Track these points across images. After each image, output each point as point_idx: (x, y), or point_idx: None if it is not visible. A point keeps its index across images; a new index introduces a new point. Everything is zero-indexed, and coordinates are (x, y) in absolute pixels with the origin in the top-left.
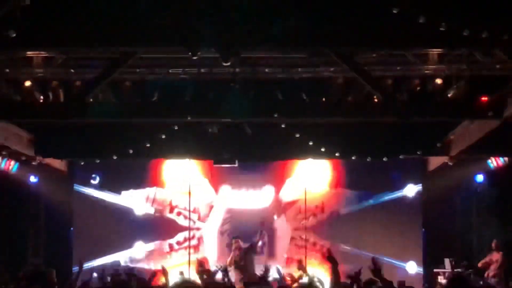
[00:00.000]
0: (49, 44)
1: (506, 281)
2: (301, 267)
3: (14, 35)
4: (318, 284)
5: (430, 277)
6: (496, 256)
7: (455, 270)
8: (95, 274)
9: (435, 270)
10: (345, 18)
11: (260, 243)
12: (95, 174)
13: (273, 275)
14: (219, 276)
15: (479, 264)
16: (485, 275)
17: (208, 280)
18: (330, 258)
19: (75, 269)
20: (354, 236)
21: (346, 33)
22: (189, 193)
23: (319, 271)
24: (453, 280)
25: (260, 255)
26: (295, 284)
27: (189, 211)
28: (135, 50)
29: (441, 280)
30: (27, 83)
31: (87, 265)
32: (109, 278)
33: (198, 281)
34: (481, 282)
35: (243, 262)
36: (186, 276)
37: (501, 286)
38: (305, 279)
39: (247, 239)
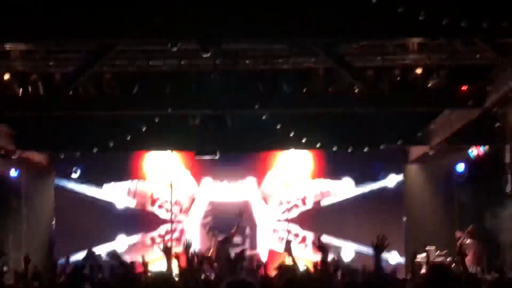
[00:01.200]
0: (27, 36)
1: (482, 270)
2: (288, 248)
3: None
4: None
5: (412, 267)
6: (472, 243)
7: (436, 259)
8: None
9: (416, 259)
10: (326, 8)
11: (237, 235)
12: (76, 167)
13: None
14: None
15: (458, 242)
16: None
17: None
18: (321, 247)
19: (60, 261)
20: (336, 226)
21: (326, 24)
22: (171, 185)
23: (301, 262)
24: (433, 269)
25: (237, 246)
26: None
27: (171, 203)
28: (114, 42)
29: (423, 269)
30: (6, 76)
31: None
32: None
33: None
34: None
35: (217, 254)
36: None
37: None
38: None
39: (228, 231)
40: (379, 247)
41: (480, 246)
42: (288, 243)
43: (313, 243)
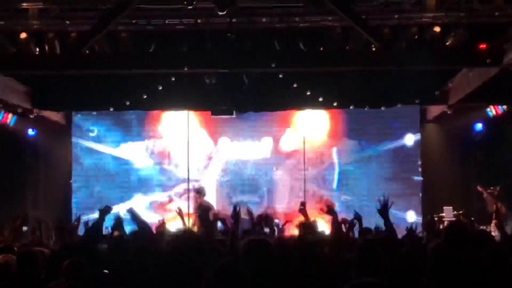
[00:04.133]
0: None
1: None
2: (303, 210)
3: None
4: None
5: (429, 225)
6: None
7: (453, 217)
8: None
9: (434, 217)
10: None
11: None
12: (93, 126)
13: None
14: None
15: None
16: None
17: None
18: (330, 211)
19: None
20: (354, 186)
21: None
22: (188, 144)
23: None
24: (450, 227)
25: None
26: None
27: (188, 163)
28: (130, 0)
29: (440, 227)
30: (23, 35)
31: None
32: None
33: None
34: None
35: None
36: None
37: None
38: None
39: (246, 190)
40: (384, 208)
41: (504, 208)
42: (302, 204)
43: (321, 209)
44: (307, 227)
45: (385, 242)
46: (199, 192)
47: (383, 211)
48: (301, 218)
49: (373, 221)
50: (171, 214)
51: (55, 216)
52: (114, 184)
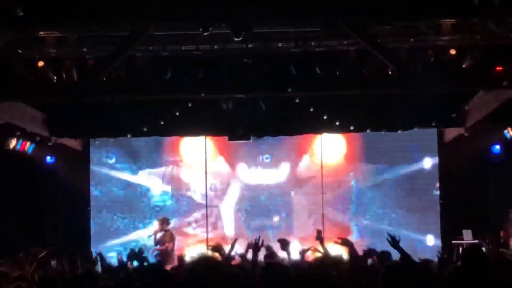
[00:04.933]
0: (58, 22)
1: None
2: (319, 238)
3: (22, 13)
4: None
5: (448, 249)
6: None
7: (472, 241)
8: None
9: (453, 241)
10: None
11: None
12: (111, 153)
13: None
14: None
15: (501, 234)
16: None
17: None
18: (345, 242)
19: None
20: (372, 210)
21: (359, 5)
22: (205, 170)
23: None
24: (467, 252)
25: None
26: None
27: (206, 188)
28: (146, 27)
29: (460, 251)
30: (40, 63)
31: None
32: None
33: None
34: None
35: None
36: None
37: None
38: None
39: (264, 215)
40: (394, 242)
41: None
42: (319, 232)
43: (335, 242)
44: (326, 261)
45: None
46: (164, 221)
47: (395, 245)
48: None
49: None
50: (190, 240)
51: (73, 243)
52: (131, 210)
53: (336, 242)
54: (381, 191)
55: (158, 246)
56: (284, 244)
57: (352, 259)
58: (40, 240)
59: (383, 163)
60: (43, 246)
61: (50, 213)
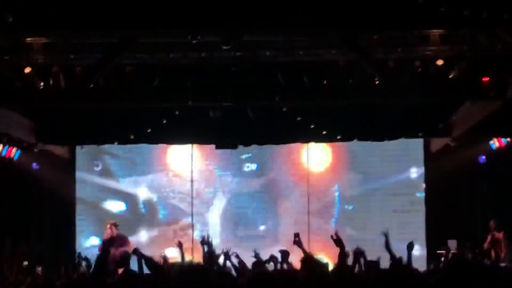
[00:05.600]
0: (47, 29)
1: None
2: (298, 242)
3: (11, 19)
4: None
5: (433, 259)
6: (498, 235)
7: (458, 251)
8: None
9: (438, 251)
10: (346, 0)
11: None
12: (97, 160)
13: None
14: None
15: (485, 245)
16: (492, 256)
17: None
18: (338, 241)
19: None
20: (358, 219)
21: (346, 15)
22: (191, 179)
23: (322, 257)
24: (453, 261)
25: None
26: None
27: (192, 197)
28: (134, 34)
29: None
30: (27, 69)
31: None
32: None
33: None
34: (487, 263)
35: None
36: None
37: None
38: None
39: (251, 224)
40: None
41: (506, 237)
42: (296, 235)
43: (331, 237)
44: (309, 260)
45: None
46: (115, 225)
47: (387, 246)
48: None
49: (375, 255)
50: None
51: (59, 251)
52: (118, 218)
53: (332, 237)
54: (368, 200)
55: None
56: (285, 255)
57: (341, 266)
58: (25, 248)
59: (369, 172)
60: (28, 254)
61: (36, 219)
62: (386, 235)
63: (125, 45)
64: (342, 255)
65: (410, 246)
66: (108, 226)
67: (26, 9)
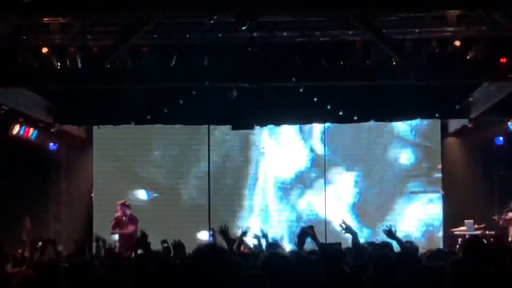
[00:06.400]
0: (64, 9)
1: None
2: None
3: (28, 0)
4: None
5: (450, 239)
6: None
7: (474, 232)
8: None
9: (454, 232)
10: None
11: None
12: (114, 140)
13: None
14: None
15: (500, 222)
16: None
17: None
18: (347, 229)
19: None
20: (373, 200)
21: None
22: (208, 160)
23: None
24: (469, 242)
25: None
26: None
27: (209, 178)
28: (151, 15)
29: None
30: (45, 50)
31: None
32: None
33: None
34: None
35: None
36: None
37: None
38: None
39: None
40: (391, 234)
41: None
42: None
43: (340, 226)
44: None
45: (402, 259)
46: (125, 204)
47: (392, 236)
48: None
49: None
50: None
51: (76, 230)
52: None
53: (341, 226)
54: (383, 182)
55: (117, 230)
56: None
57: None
58: (43, 227)
59: (385, 155)
60: (46, 232)
61: (53, 199)
62: (388, 230)
63: (142, 26)
64: (355, 242)
65: (389, 233)
66: (119, 205)
67: None
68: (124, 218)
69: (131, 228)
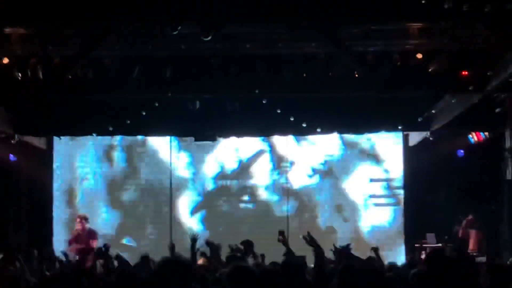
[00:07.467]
0: (25, 19)
1: (490, 256)
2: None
3: None
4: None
5: (412, 252)
6: (472, 232)
7: (436, 244)
8: None
9: (416, 245)
10: None
11: None
12: (75, 151)
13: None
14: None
15: (460, 234)
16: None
17: None
18: (312, 242)
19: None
20: (336, 212)
21: (327, 8)
22: (170, 172)
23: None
24: (432, 255)
25: None
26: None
27: (171, 189)
28: (113, 25)
29: (422, 255)
30: (5, 60)
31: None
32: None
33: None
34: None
35: None
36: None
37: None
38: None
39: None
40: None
41: (480, 234)
42: (281, 233)
43: (303, 237)
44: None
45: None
46: (85, 218)
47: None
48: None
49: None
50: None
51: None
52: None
53: (304, 238)
54: (346, 193)
55: (73, 245)
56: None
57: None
58: (2, 240)
59: (348, 166)
60: (6, 246)
61: (14, 212)
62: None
63: (104, 37)
64: (318, 253)
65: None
66: (78, 220)
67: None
68: (82, 232)
69: (93, 243)
